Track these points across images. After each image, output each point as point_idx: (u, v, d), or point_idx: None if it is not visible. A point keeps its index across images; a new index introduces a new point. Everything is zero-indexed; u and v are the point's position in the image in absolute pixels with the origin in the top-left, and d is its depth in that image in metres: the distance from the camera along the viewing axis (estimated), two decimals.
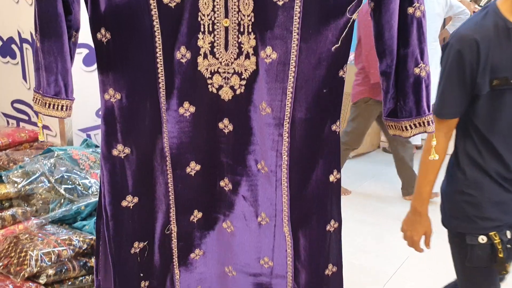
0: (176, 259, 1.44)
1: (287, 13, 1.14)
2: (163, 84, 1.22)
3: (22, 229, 1.69)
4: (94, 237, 1.65)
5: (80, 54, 2.11)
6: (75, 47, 1.27)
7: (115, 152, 1.27)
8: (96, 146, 2.14)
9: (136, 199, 1.32)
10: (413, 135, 1.28)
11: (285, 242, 1.37)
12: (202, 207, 1.40)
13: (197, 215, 1.40)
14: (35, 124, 2.29)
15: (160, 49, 1.19)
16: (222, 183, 1.36)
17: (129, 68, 1.21)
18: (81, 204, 1.79)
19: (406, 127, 1.29)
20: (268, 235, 1.38)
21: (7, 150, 2.10)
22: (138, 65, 1.21)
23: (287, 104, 1.22)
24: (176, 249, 1.43)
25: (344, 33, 1.19)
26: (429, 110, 1.28)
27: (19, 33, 2.24)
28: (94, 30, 1.20)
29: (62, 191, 1.76)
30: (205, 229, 1.43)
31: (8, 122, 2.43)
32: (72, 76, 1.23)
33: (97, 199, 1.82)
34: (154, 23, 1.17)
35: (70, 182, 1.81)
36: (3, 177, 1.73)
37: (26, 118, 2.34)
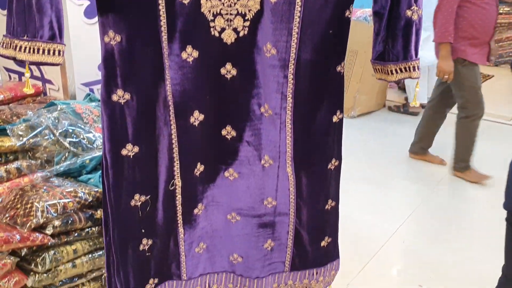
0: (180, 216, 1.44)
1: None
2: (165, 27, 1.19)
3: (27, 182, 1.69)
4: (100, 190, 1.65)
5: (81, 6, 2.06)
6: None
7: (114, 97, 1.24)
8: (99, 101, 2.11)
9: (136, 149, 1.30)
10: (398, 80, 1.29)
11: (288, 181, 1.40)
12: (204, 159, 1.39)
13: (200, 168, 1.39)
14: (37, 78, 2.26)
15: None
16: (223, 132, 1.35)
17: (130, 9, 1.17)
18: (86, 157, 1.79)
19: (391, 71, 1.30)
20: (271, 176, 1.41)
21: (10, 104, 2.08)
22: (139, 5, 1.17)
23: (293, 45, 1.21)
24: (180, 206, 1.43)
25: None
26: (416, 56, 1.28)
27: None
28: None
29: (66, 144, 1.75)
30: (206, 182, 1.44)
31: (10, 76, 2.40)
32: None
33: (101, 152, 1.81)
34: None
35: (75, 136, 1.80)
36: (8, 130, 1.72)
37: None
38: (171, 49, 1.21)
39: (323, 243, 1.54)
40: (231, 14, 1.19)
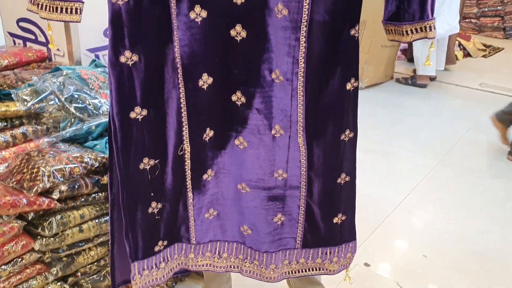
0: (190, 181, 1.43)
1: None
2: None
3: (33, 147, 1.69)
4: (106, 156, 1.65)
5: None
6: None
7: (122, 59, 1.22)
8: (105, 67, 2.09)
9: (145, 112, 1.28)
10: (413, 40, 1.26)
11: (299, 152, 1.36)
12: (214, 124, 1.37)
13: (209, 133, 1.37)
14: (42, 43, 2.24)
15: None
16: (234, 98, 1.32)
17: None
18: (92, 123, 1.77)
19: (407, 31, 1.27)
20: (282, 147, 1.37)
21: (14, 69, 2.06)
22: None
23: (305, 6, 1.17)
24: (189, 171, 1.42)
25: None
26: (432, 15, 1.24)
27: None
28: None
29: (72, 110, 1.74)
30: (216, 148, 1.41)
31: (14, 41, 2.37)
32: None
33: (108, 119, 1.80)
34: None
35: (80, 101, 1.79)
36: (13, 95, 1.70)
37: (33, 37, 2.28)
38: (179, 8, 1.18)
39: (336, 220, 1.48)
40: None
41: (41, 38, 2.22)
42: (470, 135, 3.75)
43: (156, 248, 1.48)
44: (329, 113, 1.32)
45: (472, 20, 7.19)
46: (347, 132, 1.36)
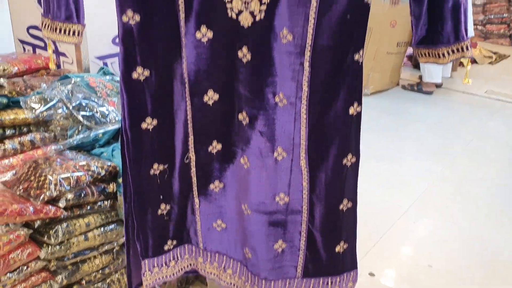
0: (196, 188, 1.46)
1: None
2: (182, 6, 1.19)
3: (40, 154, 1.70)
4: (112, 164, 1.66)
5: None
6: None
7: (134, 75, 1.25)
8: (113, 74, 2.11)
9: (155, 122, 1.32)
10: (450, 61, 1.26)
11: (302, 175, 1.36)
12: (221, 138, 1.39)
13: (216, 146, 1.39)
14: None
15: None
16: (240, 116, 1.33)
17: None
18: (99, 131, 1.79)
19: (443, 53, 1.27)
20: (284, 170, 1.37)
21: (24, 76, 2.08)
22: None
23: (309, 31, 1.17)
24: (195, 178, 1.45)
25: None
26: (467, 35, 1.24)
27: None
28: None
29: (80, 118, 1.75)
30: (224, 161, 1.43)
31: (24, 48, 2.40)
32: (83, 0, 1.20)
33: (114, 126, 1.81)
34: None
35: (88, 109, 1.80)
36: (21, 103, 1.72)
37: (43, 44, 2.31)
38: (187, 27, 1.21)
39: (338, 248, 1.46)
40: None
41: None
42: (476, 143, 3.74)
43: (166, 247, 1.52)
44: (332, 137, 1.32)
45: (478, 27, 7.18)
46: (350, 156, 1.36)
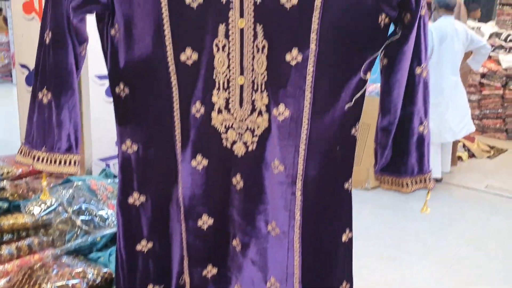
0: None
1: (299, 73, 1.13)
2: (179, 137, 1.23)
3: (37, 260, 1.70)
4: (108, 270, 1.65)
5: (103, 85, 2.14)
6: (82, 61, 1.24)
7: (130, 200, 1.29)
8: (115, 176, 2.15)
9: (150, 244, 1.34)
10: (413, 191, 1.28)
11: None
12: (216, 263, 1.37)
13: (211, 270, 1.37)
14: None
15: (177, 103, 1.20)
16: (234, 242, 1.33)
17: (146, 121, 1.23)
18: (97, 235, 1.80)
19: (407, 183, 1.29)
20: None
21: (27, 177, 2.12)
22: (155, 118, 1.23)
23: (300, 162, 1.21)
24: None
25: (359, 93, 1.19)
26: (429, 167, 1.28)
27: None
28: (113, 84, 1.22)
29: (79, 223, 1.77)
30: (219, 285, 1.39)
31: None
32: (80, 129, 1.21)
33: (112, 230, 1.82)
34: (172, 79, 1.18)
35: (88, 213, 1.82)
36: (22, 207, 1.75)
37: None
38: (184, 156, 1.25)
39: None
40: (242, 128, 1.21)
41: None
42: (477, 240, 3.70)
43: None
44: (326, 266, 1.32)
45: (475, 120, 7.36)
46: (344, 283, 1.36)
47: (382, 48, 1.18)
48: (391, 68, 1.20)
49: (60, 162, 1.17)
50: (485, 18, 8.04)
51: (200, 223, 1.31)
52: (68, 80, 1.16)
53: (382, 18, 1.13)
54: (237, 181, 1.26)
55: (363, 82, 1.18)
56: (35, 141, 1.18)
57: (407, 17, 1.15)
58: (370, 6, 1.10)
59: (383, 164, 1.30)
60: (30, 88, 1.22)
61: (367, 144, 4.64)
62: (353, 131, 1.24)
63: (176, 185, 1.28)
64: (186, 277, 1.37)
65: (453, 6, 4.81)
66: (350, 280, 1.37)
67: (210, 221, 1.31)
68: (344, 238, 1.32)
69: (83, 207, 1.82)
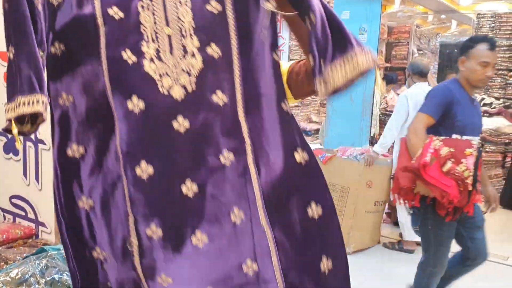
0: (143, 278, 1.28)
1: (221, 18, 1.27)
2: (108, 82, 1.25)
3: None
4: None
5: None
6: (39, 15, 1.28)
7: (69, 152, 1.30)
8: None
9: (91, 201, 1.31)
10: (367, 67, 1.29)
11: (265, 235, 1.27)
12: (162, 222, 1.26)
13: (156, 231, 1.26)
14: (31, 220, 2.29)
15: (104, 51, 1.25)
16: (184, 189, 1.26)
17: (80, 72, 1.28)
18: None
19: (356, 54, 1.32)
20: (246, 233, 1.27)
21: (0, 247, 2.08)
22: (85, 67, 1.27)
23: (237, 87, 1.28)
24: (140, 269, 1.28)
25: (267, 19, 1.29)
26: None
27: None
28: (50, 46, 1.27)
29: None
30: (169, 250, 1.27)
31: (4, 216, 2.43)
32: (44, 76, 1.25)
33: None
34: (100, 30, 1.24)
35: (60, 284, 1.79)
36: None
37: (23, 213, 2.35)
38: (117, 99, 1.25)
39: None
40: (176, 73, 1.26)
41: (31, 215, 2.29)
42: None
43: None
44: (289, 186, 1.30)
45: None
46: (313, 205, 1.30)
47: None
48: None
49: (24, 104, 1.16)
50: None
51: (138, 171, 1.24)
52: (23, 28, 1.19)
53: None
54: (180, 123, 1.25)
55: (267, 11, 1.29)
56: (8, 97, 1.20)
57: None
58: None
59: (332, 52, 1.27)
60: None
61: (347, 207, 4.67)
62: (274, 55, 1.33)
63: (114, 134, 1.27)
64: (133, 239, 1.26)
65: (426, 72, 5.01)
66: (322, 202, 1.34)
67: (150, 170, 1.24)
68: (298, 158, 1.32)
69: (56, 277, 1.78)
